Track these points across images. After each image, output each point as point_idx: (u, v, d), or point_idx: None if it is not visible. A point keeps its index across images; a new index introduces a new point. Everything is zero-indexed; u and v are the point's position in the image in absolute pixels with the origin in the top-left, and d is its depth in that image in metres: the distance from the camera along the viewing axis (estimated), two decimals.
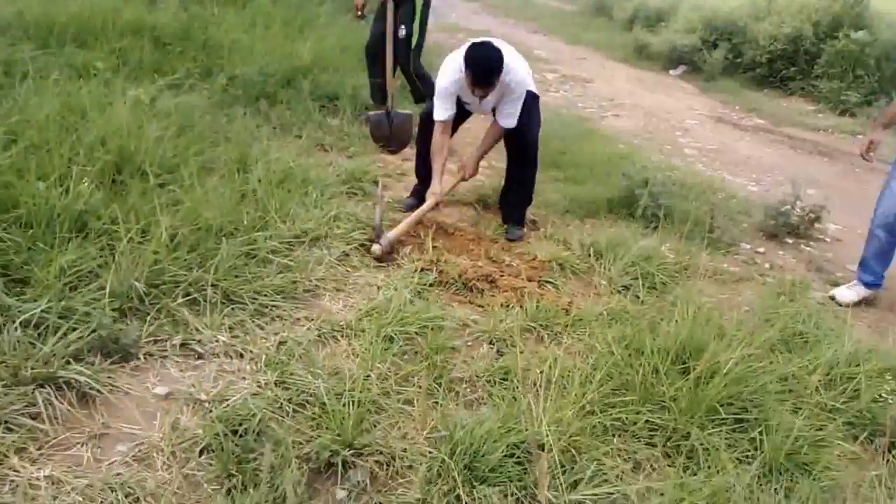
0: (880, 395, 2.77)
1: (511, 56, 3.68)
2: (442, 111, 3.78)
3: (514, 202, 4.10)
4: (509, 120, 3.80)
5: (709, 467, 2.24)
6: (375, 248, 3.31)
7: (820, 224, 5.08)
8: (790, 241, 4.91)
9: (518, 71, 3.69)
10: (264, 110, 4.70)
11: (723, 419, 2.44)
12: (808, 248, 4.86)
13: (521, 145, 3.99)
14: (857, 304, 3.97)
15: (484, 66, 3.49)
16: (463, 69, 3.54)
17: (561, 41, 12.98)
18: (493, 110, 3.88)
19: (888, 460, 2.48)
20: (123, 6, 5.22)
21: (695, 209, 4.55)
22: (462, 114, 4.01)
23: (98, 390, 2.05)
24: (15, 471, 1.75)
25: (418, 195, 4.09)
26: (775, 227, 4.95)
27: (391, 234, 3.40)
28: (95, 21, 4.76)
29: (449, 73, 3.71)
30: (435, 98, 3.79)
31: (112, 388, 2.10)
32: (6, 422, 1.87)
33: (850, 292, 4.01)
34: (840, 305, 3.90)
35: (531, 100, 3.87)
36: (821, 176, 6.77)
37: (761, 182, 6.39)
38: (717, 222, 4.51)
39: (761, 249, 4.65)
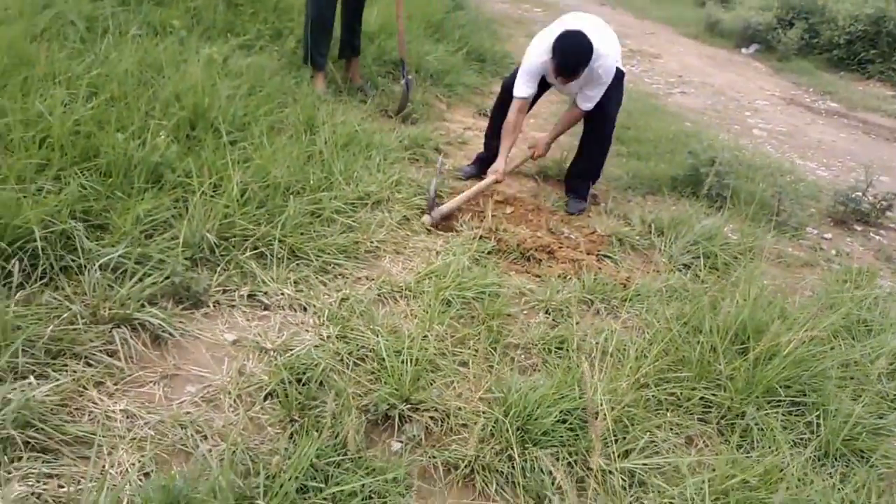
0: None
1: (602, 39, 3.59)
2: (524, 88, 3.74)
3: (580, 175, 4.07)
4: (588, 103, 3.78)
5: (763, 447, 2.22)
6: (426, 218, 3.35)
7: (892, 213, 4.92)
8: (859, 228, 4.76)
9: (608, 58, 3.62)
10: (331, 74, 4.76)
11: (779, 401, 2.42)
12: (877, 237, 4.70)
13: (599, 120, 3.95)
14: None
15: (571, 58, 3.45)
16: (550, 54, 3.50)
17: (630, 15, 12.69)
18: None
19: None
20: None
21: (761, 191, 4.44)
22: (540, 90, 3.96)
23: (170, 333, 2.15)
24: (94, 402, 1.86)
25: (480, 164, 4.10)
26: (844, 213, 4.80)
27: (444, 208, 3.42)
28: None
29: (538, 52, 3.66)
30: (519, 73, 3.76)
31: (183, 332, 2.19)
32: (86, 357, 1.98)
33: None
34: None
35: (616, 78, 3.81)
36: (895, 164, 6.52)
37: (832, 167, 6.19)
38: (783, 205, 4.40)
39: (828, 235, 4.52)
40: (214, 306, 2.36)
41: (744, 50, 11.26)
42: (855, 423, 2.35)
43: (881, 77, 10.04)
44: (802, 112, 8.24)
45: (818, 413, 2.40)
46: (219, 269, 2.49)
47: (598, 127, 3.98)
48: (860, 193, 4.79)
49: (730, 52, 11.14)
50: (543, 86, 3.94)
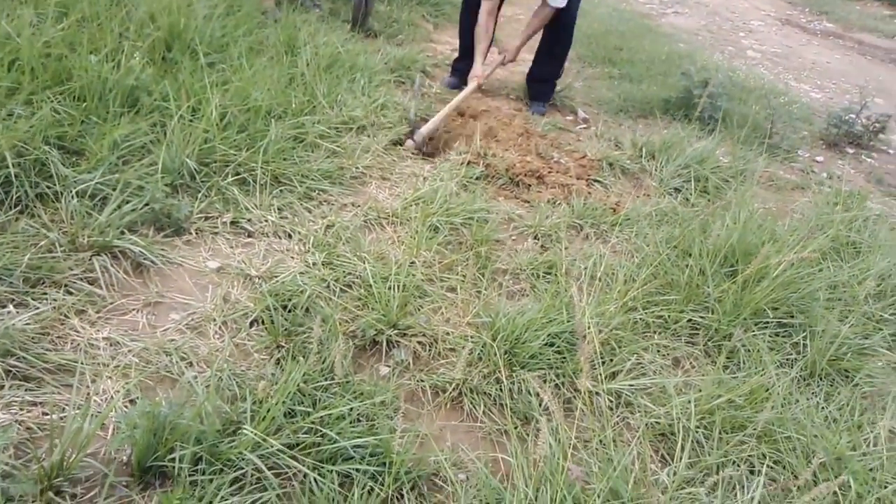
0: None
1: None
2: None
3: (543, 77, 4.03)
4: (556, 2, 3.69)
5: (749, 368, 2.24)
6: (409, 143, 3.28)
7: (884, 135, 4.87)
8: (851, 151, 4.73)
9: None
10: None
11: (767, 322, 2.43)
12: (869, 160, 4.67)
13: (560, 20, 3.91)
14: None
15: None
16: None
17: None
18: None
19: None
20: None
21: (754, 113, 4.37)
22: None
23: (152, 261, 2.11)
24: (76, 331, 1.83)
25: (459, 74, 4.10)
26: (837, 135, 4.76)
27: (425, 129, 3.35)
28: None
29: None
30: None
31: (165, 259, 2.15)
32: (66, 285, 1.94)
33: None
34: None
35: None
36: (892, 85, 6.42)
37: (825, 89, 6.10)
38: (776, 128, 4.35)
39: (820, 158, 4.48)
40: (197, 233, 2.31)
41: None
42: (841, 344, 2.36)
43: None
44: (797, 33, 8.06)
45: (805, 334, 2.42)
46: (200, 195, 2.43)
47: (560, 26, 3.94)
48: (853, 115, 4.73)
49: None
50: None
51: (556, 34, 3.99)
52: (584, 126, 4.07)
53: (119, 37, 2.90)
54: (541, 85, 4.06)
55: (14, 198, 2.10)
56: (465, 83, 3.97)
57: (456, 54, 4.36)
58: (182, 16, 3.17)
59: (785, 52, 6.99)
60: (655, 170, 3.51)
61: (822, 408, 2.15)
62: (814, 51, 7.33)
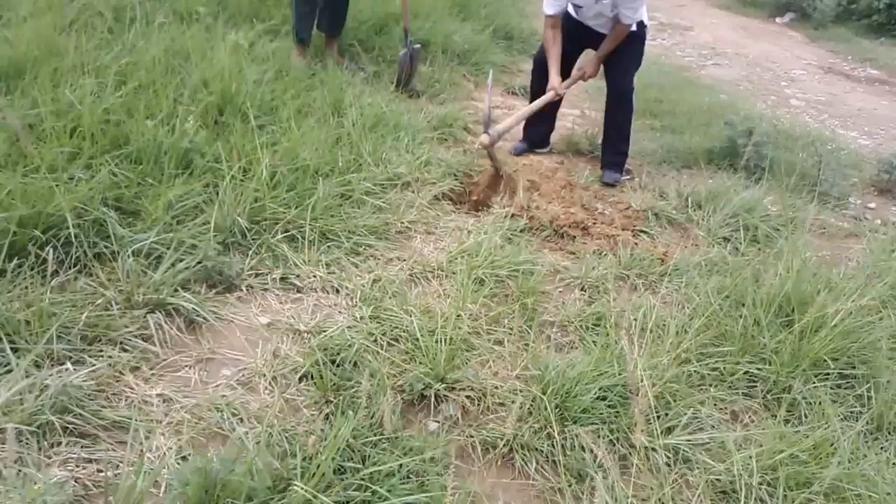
0: None
1: None
2: (552, 6, 3.75)
3: (610, 145, 4.01)
4: (630, 16, 3.68)
5: (811, 421, 2.15)
6: (484, 137, 3.35)
7: None
8: None
9: None
10: (357, 58, 4.72)
11: (827, 373, 2.34)
12: None
13: (617, 87, 3.91)
14: None
15: None
16: None
17: None
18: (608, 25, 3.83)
19: None
20: None
21: (801, 161, 4.31)
22: (573, 48, 3.97)
23: (204, 317, 2.15)
24: (130, 388, 1.86)
25: (529, 139, 4.20)
26: (888, 182, 4.64)
27: (500, 127, 3.46)
28: None
29: None
30: None
31: (217, 316, 2.18)
32: (121, 342, 1.98)
33: None
34: None
35: (636, 36, 3.79)
36: None
37: (874, 135, 5.99)
38: (824, 175, 4.26)
39: (872, 205, 4.37)
40: (247, 290, 2.35)
41: (778, 19, 10.94)
42: None
43: None
44: (841, 80, 7.98)
45: (869, 385, 2.32)
46: (251, 252, 2.48)
47: (617, 94, 3.94)
48: None
49: (763, 22, 10.84)
50: (573, 48, 3.91)
51: (613, 100, 3.98)
52: (628, 178, 4.05)
53: (174, 102, 3.02)
54: (608, 155, 4.04)
55: (74, 257, 2.17)
56: (533, 147, 4.16)
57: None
58: (234, 81, 3.30)
59: (829, 100, 6.92)
60: (702, 219, 3.46)
61: (894, 464, 2.04)
62: (859, 97, 7.24)
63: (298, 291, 2.39)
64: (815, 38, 10.07)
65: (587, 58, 4.05)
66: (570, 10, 3.89)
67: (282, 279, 2.41)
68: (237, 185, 2.64)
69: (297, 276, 2.44)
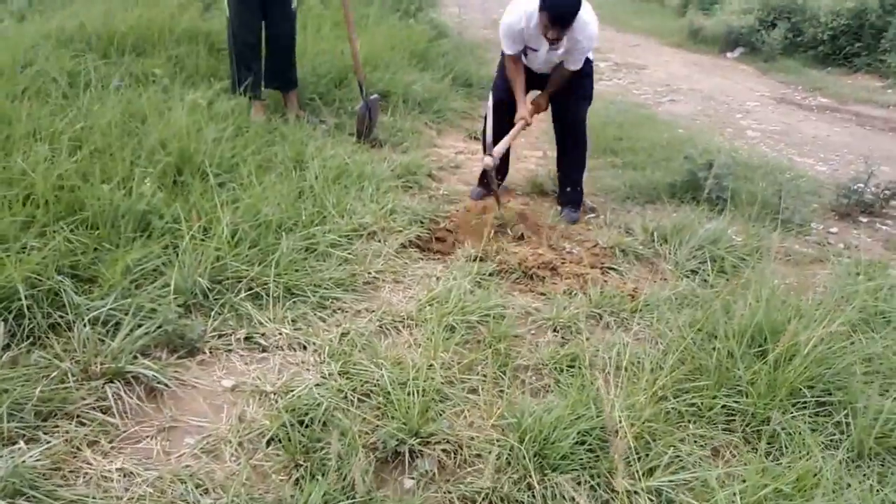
0: None
1: (587, 12, 3.60)
2: (511, 47, 3.79)
3: (567, 183, 4.04)
4: (575, 65, 3.77)
5: (792, 452, 2.12)
6: (487, 159, 3.53)
7: None
8: (864, 220, 4.68)
9: (591, 27, 3.62)
10: (317, 112, 4.73)
11: (804, 402, 2.32)
12: (884, 227, 4.62)
13: (571, 124, 3.99)
14: None
15: (564, 6, 3.41)
16: (535, 12, 3.51)
17: (612, 28, 12.75)
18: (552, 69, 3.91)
19: None
20: (178, 15, 5.32)
21: (762, 190, 4.37)
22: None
23: (166, 384, 2.07)
24: (88, 463, 1.77)
25: (486, 186, 4.10)
26: (848, 206, 4.73)
27: (499, 148, 3.66)
28: (153, 30, 4.86)
29: (516, 13, 3.69)
30: (502, 37, 3.81)
31: (179, 381, 2.11)
32: (78, 416, 1.90)
33: None
34: None
35: (583, 71, 3.84)
36: (894, 152, 6.45)
37: (829, 162, 6.13)
38: (785, 203, 4.33)
39: (834, 230, 4.44)
40: (211, 352, 2.28)
41: (728, 54, 11.29)
42: (886, 419, 2.24)
43: (868, 69, 10.03)
44: (794, 110, 8.20)
45: (846, 412, 2.30)
46: (213, 313, 2.41)
47: (570, 131, 4.03)
48: (862, 185, 4.72)
49: (715, 58, 11.17)
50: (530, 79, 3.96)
51: (567, 138, 4.06)
52: (593, 215, 4.07)
53: (131, 165, 2.98)
54: (568, 193, 4.08)
55: (26, 329, 2.09)
56: (489, 190, 4.05)
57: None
58: (192, 140, 3.27)
59: (784, 129, 7.09)
60: (669, 253, 3.47)
61: (878, 490, 2.01)
62: (812, 125, 7.43)
63: (264, 351, 2.32)
64: (765, 70, 10.38)
65: (537, 95, 4.09)
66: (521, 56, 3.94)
67: (246, 339, 2.35)
68: (197, 244, 2.58)
69: (263, 334, 2.37)
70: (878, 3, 9.98)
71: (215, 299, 2.47)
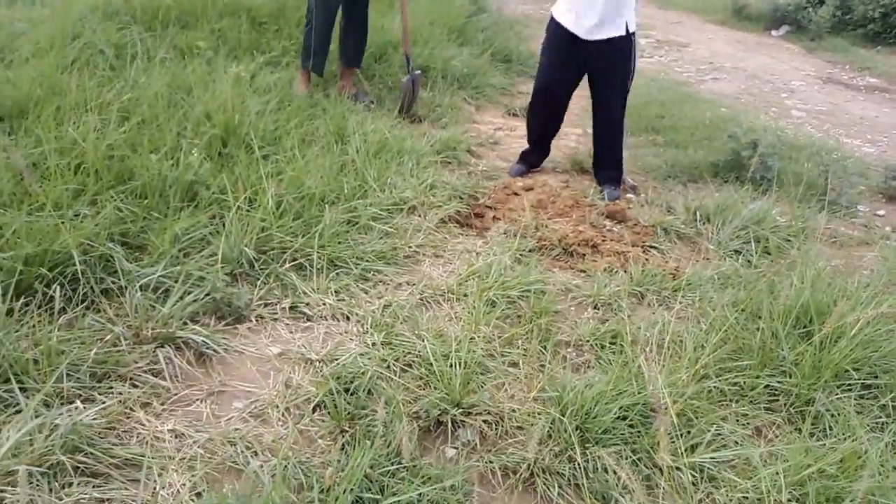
0: None
1: None
2: None
3: (604, 163, 4.02)
4: None
5: (837, 434, 2.10)
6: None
7: None
8: None
9: None
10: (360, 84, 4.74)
11: (850, 384, 2.28)
12: None
13: (605, 103, 3.92)
14: None
15: None
16: None
17: (653, 6, 12.47)
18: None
19: None
20: None
21: (807, 171, 4.29)
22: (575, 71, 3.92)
23: (214, 350, 2.12)
24: (141, 424, 1.82)
25: (526, 160, 4.18)
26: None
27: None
28: (196, 4, 4.89)
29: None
30: None
31: (227, 348, 2.15)
32: (131, 378, 1.95)
33: None
34: None
35: (620, 51, 3.73)
36: None
37: (877, 143, 5.96)
38: (832, 184, 4.23)
39: (881, 212, 4.33)
40: (257, 320, 2.32)
41: (774, 32, 10.99)
42: None
43: None
44: (841, 90, 7.98)
45: (893, 395, 2.26)
46: (259, 282, 2.46)
47: (610, 105, 3.91)
48: None
49: (759, 36, 10.88)
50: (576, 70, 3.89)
51: (605, 113, 3.97)
52: (634, 194, 4.03)
53: (177, 136, 3.03)
54: (604, 171, 4.03)
55: (81, 294, 2.15)
56: (531, 167, 4.18)
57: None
58: (236, 112, 3.30)
59: (831, 109, 6.91)
60: (712, 233, 3.43)
61: None
62: (860, 106, 7.22)
63: (308, 320, 2.36)
64: (811, 49, 10.09)
65: None
66: None
67: (291, 308, 2.39)
68: (243, 215, 2.63)
69: (307, 304, 2.41)
70: None
71: (261, 269, 2.51)
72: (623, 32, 3.67)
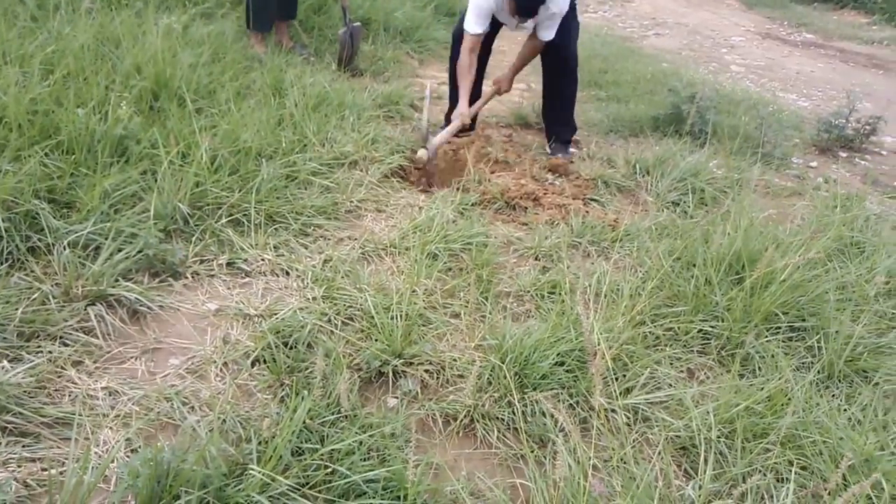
0: None
1: None
2: (475, 25, 3.62)
3: (557, 120, 3.97)
4: (548, 32, 3.64)
5: (765, 374, 2.18)
6: (422, 152, 3.29)
7: (875, 137, 4.88)
8: (844, 154, 4.72)
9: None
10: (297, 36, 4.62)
11: (778, 327, 2.37)
12: (862, 162, 4.67)
13: (560, 60, 3.84)
14: None
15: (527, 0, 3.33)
16: None
17: None
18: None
19: None
20: None
21: (744, 124, 4.38)
22: (493, 29, 3.85)
23: (148, 307, 2.07)
24: (73, 382, 1.78)
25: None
26: (828, 140, 4.76)
27: (436, 141, 3.36)
28: None
29: None
30: (469, 10, 3.63)
31: (162, 305, 2.11)
32: (61, 337, 1.90)
33: None
34: None
35: (570, 10, 3.66)
36: (876, 89, 6.46)
37: (812, 97, 6.13)
38: (767, 137, 4.34)
39: (814, 164, 4.48)
40: (193, 277, 2.27)
41: None
42: (856, 344, 2.31)
43: (854, 5, 9.95)
44: (779, 45, 8.14)
45: (818, 336, 2.36)
46: (194, 239, 2.40)
47: (560, 67, 3.88)
48: (843, 119, 4.74)
49: None
50: (495, 24, 3.82)
51: (557, 74, 3.91)
52: (577, 148, 4.06)
53: (105, 89, 2.90)
54: (555, 127, 3.98)
55: (5, 252, 2.07)
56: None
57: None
58: (167, 65, 3.18)
59: (768, 65, 7.05)
60: (651, 185, 3.49)
61: (845, 409, 2.08)
62: (796, 61, 7.39)
63: (246, 276, 2.32)
64: (751, 5, 10.25)
65: (502, 73, 3.99)
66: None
67: (228, 264, 2.35)
68: (176, 170, 2.55)
69: (245, 260, 2.37)
70: None
71: (196, 225, 2.45)
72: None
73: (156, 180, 2.49)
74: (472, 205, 3.09)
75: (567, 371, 2.04)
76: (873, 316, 2.54)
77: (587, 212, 3.19)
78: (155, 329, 2.02)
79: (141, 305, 2.06)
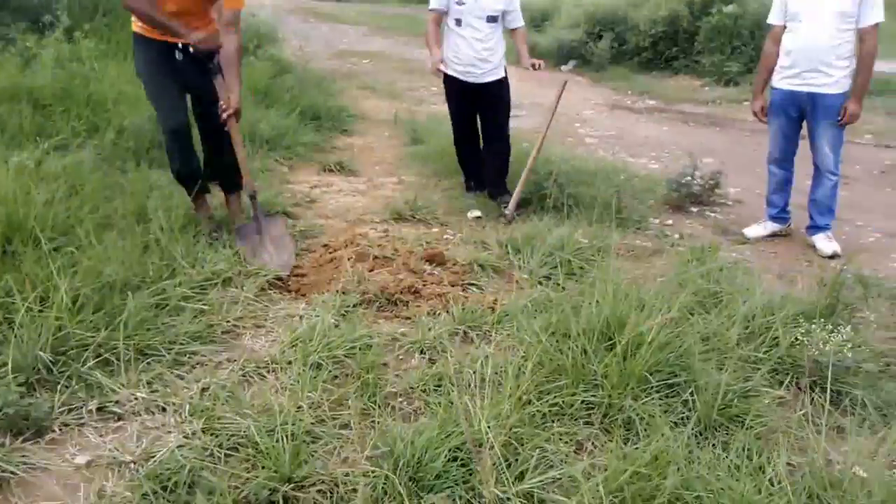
0: (797, 339, 2.87)
1: None
2: (436, 2, 4.58)
3: (497, 174, 4.85)
4: (519, 21, 4.76)
5: (647, 435, 2.28)
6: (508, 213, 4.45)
7: (720, 189, 5.32)
8: (695, 209, 5.11)
9: None
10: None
11: (653, 387, 2.49)
12: (712, 214, 5.07)
13: (497, 133, 4.82)
14: (769, 237, 4.57)
15: None
16: None
17: None
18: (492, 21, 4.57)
19: (812, 399, 2.58)
20: None
21: (601, 193, 4.67)
22: (474, 106, 4.77)
23: (12, 472, 1.93)
24: None
25: (473, 192, 5.02)
26: (679, 198, 5.14)
27: (513, 200, 4.52)
28: None
29: None
30: None
31: (27, 466, 1.97)
32: None
33: (758, 227, 4.60)
34: (749, 240, 4.51)
35: (507, 84, 4.78)
36: (715, 145, 7.09)
37: (661, 159, 6.63)
38: (623, 202, 4.65)
39: (669, 222, 4.81)
40: (61, 429, 2.15)
41: (563, 67, 11.94)
42: (725, 392, 2.46)
43: (687, 70, 10.92)
44: (626, 114, 8.82)
45: (691, 390, 2.50)
46: (59, 387, 2.28)
47: (499, 137, 4.82)
48: (689, 177, 5.15)
49: (551, 72, 11.76)
50: (474, 105, 4.80)
51: (497, 138, 4.84)
52: (450, 235, 4.19)
53: None
54: (497, 181, 4.87)
55: None
56: (480, 187, 5.01)
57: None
58: (20, 206, 3.07)
59: (619, 133, 7.61)
60: (524, 263, 3.64)
61: (724, 458, 2.20)
62: (644, 127, 8.02)
63: (119, 419, 2.21)
64: (597, 79, 11.09)
65: (520, 57, 4.78)
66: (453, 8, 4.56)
67: (99, 409, 2.23)
68: (35, 316, 2.43)
69: (116, 402, 2.26)
70: (686, 10, 10.92)
71: (60, 372, 2.33)
72: (503, 75, 4.68)
73: (13, 330, 2.36)
74: (354, 306, 3.10)
75: (462, 465, 2.05)
76: (737, 362, 2.71)
77: (466, 297, 3.28)
78: (20, 495, 1.89)
79: (3, 472, 1.91)
